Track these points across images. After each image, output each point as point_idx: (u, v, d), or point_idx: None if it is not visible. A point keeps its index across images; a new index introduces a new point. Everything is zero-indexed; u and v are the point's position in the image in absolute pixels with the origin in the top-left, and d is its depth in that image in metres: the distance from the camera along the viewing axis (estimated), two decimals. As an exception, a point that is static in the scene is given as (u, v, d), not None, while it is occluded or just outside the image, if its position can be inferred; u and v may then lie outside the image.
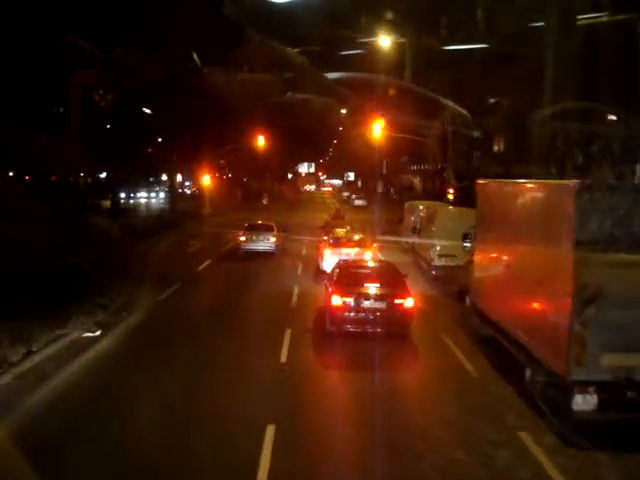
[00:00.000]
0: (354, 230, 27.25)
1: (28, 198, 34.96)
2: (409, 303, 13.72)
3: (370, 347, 13.04)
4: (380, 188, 71.99)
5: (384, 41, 34.28)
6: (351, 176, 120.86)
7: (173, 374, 11.20)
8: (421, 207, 27.54)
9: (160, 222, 36.14)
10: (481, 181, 14.74)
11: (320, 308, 15.74)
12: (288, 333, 13.89)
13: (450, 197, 31.91)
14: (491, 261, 13.60)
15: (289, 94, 47.30)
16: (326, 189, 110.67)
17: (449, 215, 22.34)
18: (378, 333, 13.41)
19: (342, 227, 28.11)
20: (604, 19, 27.42)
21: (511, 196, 12.16)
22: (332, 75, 43.96)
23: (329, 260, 20.07)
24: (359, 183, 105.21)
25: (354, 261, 17.50)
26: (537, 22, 31.23)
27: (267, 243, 25.99)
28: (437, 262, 21.19)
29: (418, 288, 17.92)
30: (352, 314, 13.44)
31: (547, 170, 29.50)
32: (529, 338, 10.71)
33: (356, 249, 21.39)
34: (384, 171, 69.00)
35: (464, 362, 12.72)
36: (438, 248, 21.28)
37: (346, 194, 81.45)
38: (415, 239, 25.54)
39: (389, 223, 35.70)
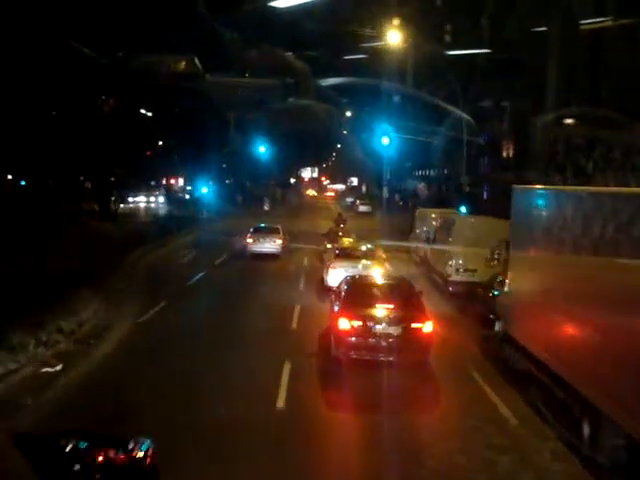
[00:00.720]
0: (360, 239, 25.30)
1: (19, 202, 33.63)
2: (428, 328, 11.82)
3: (384, 381, 11.15)
4: (386, 194, 70.05)
5: (393, 38, 32.22)
6: (354, 181, 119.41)
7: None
8: (434, 215, 25.37)
9: (153, 228, 33.85)
10: (522, 187, 12.44)
11: (325, 331, 13.74)
12: (287, 367, 11.67)
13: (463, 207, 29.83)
14: (536, 282, 11.30)
15: (291, 100, 46.52)
16: (329, 194, 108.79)
17: (468, 226, 20.07)
18: (392, 362, 11.53)
19: (345, 233, 27.75)
20: (608, 24, 26.45)
21: (576, 205, 9.65)
22: (335, 80, 43.15)
23: (335, 274, 18.12)
24: (363, 188, 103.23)
25: (364, 277, 15.31)
26: (540, 27, 30.85)
27: (273, 245, 26.73)
28: (455, 277, 18.98)
29: (433, 306, 15.76)
30: (362, 340, 11.63)
31: (548, 176, 28.45)
32: (590, 385, 8.46)
33: (364, 261, 19.35)
34: (388, 176, 68.05)
35: (498, 404, 10.58)
36: (455, 262, 19.08)
37: (350, 199, 79.09)
38: (428, 251, 23.35)
39: (398, 231, 33.56)
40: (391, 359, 11.51)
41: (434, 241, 22.30)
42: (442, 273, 20.03)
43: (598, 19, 26.91)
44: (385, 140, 37.87)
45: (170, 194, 48.29)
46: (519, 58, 31.81)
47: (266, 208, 57.08)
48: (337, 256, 19.98)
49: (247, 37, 38.34)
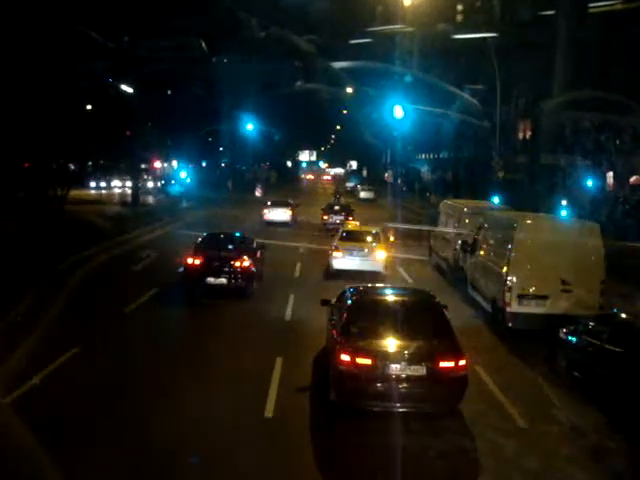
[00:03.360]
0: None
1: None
2: (461, 367, 8.64)
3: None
4: (390, 178, 64.97)
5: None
6: (354, 165, 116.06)
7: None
8: (466, 210, 19.39)
9: (113, 222, 27.33)
10: None
11: (319, 361, 10.28)
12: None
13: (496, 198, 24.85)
14: None
15: (298, 83, 46.75)
16: (326, 178, 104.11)
17: (536, 232, 13.73)
18: (411, 414, 8.71)
19: (339, 206, 33.55)
20: (617, 7, 26.86)
21: None
22: (341, 64, 42.16)
23: (340, 257, 18.61)
24: (364, 172, 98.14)
25: (372, 291, 11.37)
26: (549, 10, 31.88)
27: (284, 215, 33.09)
28: (516, 307, 12.85)
29: (485, 353, 10.15)
30: (371, 384, 8.59)
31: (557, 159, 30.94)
32: None
33: (369, 240, 19.13)
34: (391, 159, 64.99)
35: None
36: (516, 283, 12.95)
37: (350, 184, 73.51)
38: (461, 257, 17.33)
39: (413, 224, 28.19)
40: (411, 410, 8.73)
41: (475, 248, 16.15)
42: (493, 297, 13.89)
43: (607, 2, 27.08)
44: (398, 113, 31.88)
45: (135, 179, 40.14)
46: (529, 41, 32.07)
47: (258, 194, 50.76)
48: (342, 238, 19.53)
49: (256, 19, 37.97)
